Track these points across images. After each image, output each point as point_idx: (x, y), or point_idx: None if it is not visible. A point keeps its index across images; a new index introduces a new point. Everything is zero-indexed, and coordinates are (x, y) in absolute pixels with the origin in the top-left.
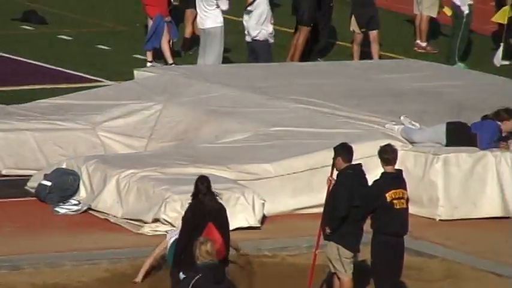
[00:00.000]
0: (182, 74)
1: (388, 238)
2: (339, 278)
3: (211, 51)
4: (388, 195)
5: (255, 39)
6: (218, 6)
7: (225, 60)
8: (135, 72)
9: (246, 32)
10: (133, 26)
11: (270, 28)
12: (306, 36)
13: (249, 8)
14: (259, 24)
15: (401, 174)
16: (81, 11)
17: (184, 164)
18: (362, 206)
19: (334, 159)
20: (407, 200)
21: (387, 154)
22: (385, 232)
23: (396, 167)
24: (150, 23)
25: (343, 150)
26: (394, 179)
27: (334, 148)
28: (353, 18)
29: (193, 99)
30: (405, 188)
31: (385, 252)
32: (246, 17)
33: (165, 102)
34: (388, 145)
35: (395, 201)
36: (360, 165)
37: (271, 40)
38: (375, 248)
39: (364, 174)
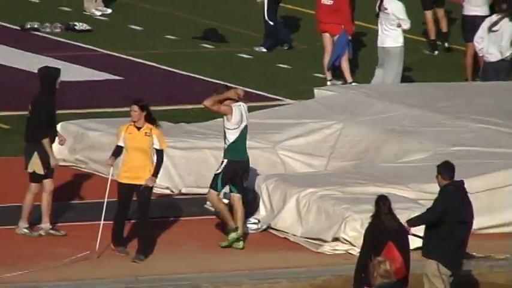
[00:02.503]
0: (362, 92)
1: None
2: None
3: (390, 70)
4: None
5: (503, 60)
6: (400, 26)
7: (405, 79)
8: (316, 90)
9: (486, 52)
10: (314, 44)
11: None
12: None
13: (494, 29)
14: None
15: None
16: (261, 30)
17: (364, 183)
18: (467, 221)
19: (436, 177)
20: None
21: None
22: None
23: None
24: (327, 40)
25: (444, 168)
26: None
27: (437, 166)
28: None
29: (373, 118)
30: None
31: None
32: (491, 37)
33: (346, 121)
34: None
35: None
36: (461, 182)
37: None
38: None
39: (466, 191)
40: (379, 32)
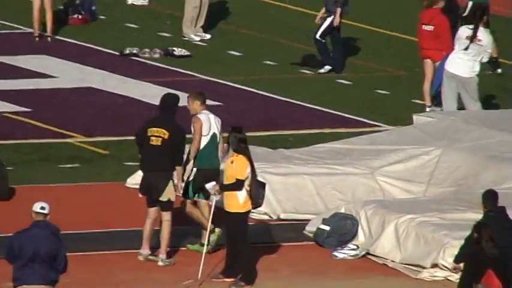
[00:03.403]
0: (461, 119)
1: None
2: None
3: (472, 98)
4: None
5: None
6: (493, 58)
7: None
8: (414, 117)
9: None
10: (413, 70)
11: None
12: None
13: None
14: None
15: None
16: (361, 56)
17: (462, 209)
18: (508, 246)
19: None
20: None
21: None
22: None
23: None
24: (429, 67)
25: (485, 196)
26: None
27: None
28: None
29: (472, 144)
30: None
31: None
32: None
33: (444, 147)
34: None
35: None
36: (502, 208)
37: None
38: None
39: (507, 217)
40: (460, 62)
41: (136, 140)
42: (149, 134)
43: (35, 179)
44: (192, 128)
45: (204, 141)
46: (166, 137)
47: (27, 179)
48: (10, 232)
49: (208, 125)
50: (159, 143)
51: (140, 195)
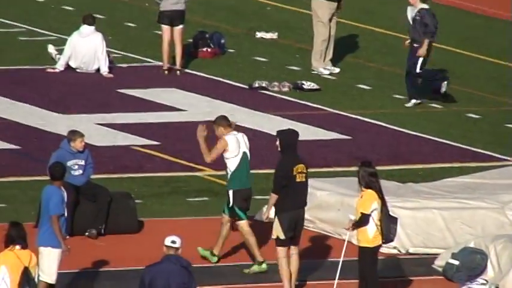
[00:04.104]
0: None
1: None
2: None
3: None
4: None
5: None
6: None
7: None
8: None
9: None
10: None
11: None
12: None
13: None
14: None
15: None
16: (490, 90)
17: None
18: None
19: None
20: None
21: None
22: None
23: None
24: None
25: None
26: None
27: None
28: None
29: None
30: None
31: None
32: None
33: None
34: None
35: None
36: None
37: None
38: None
39: None
40: None
41: (282, 180)
42: (295, 172)
43: (163, 212)
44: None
45: (235, 162)
46: (306, 172)
47: (156, 212)
48: (139, 266)
49: (237, 145)
50: (303, 179)
51: (283, 236)
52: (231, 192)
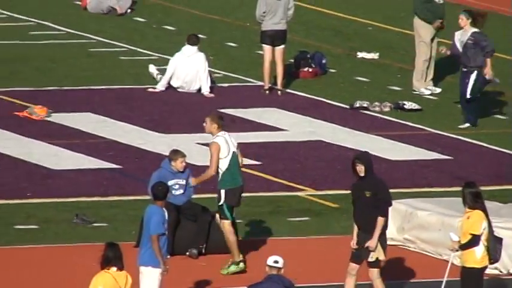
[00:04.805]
0: None
1: None
2: None
3: None
4: None
5: None
6: None
7: None
8: None
9: None
10: None
11: None
12: None
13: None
14: None
15: None
16: None
17: None
18: None
19: None
20: None
21: None
22: None
23: None
24: None
25: None
26: None
27: None
28: None
29: None
30: None
31: None
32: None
33: None
34: None
35: None
36: None
37: None
38: None
39: None
40: None
41: (389, 201)
42: None
43: (265, 232)
44: (209, 152)
45: (226, 162)
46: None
47: (258, 232)
48: (241, 285)
49: (227, 146)
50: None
51: (383, 257)
52: (223, 192)
